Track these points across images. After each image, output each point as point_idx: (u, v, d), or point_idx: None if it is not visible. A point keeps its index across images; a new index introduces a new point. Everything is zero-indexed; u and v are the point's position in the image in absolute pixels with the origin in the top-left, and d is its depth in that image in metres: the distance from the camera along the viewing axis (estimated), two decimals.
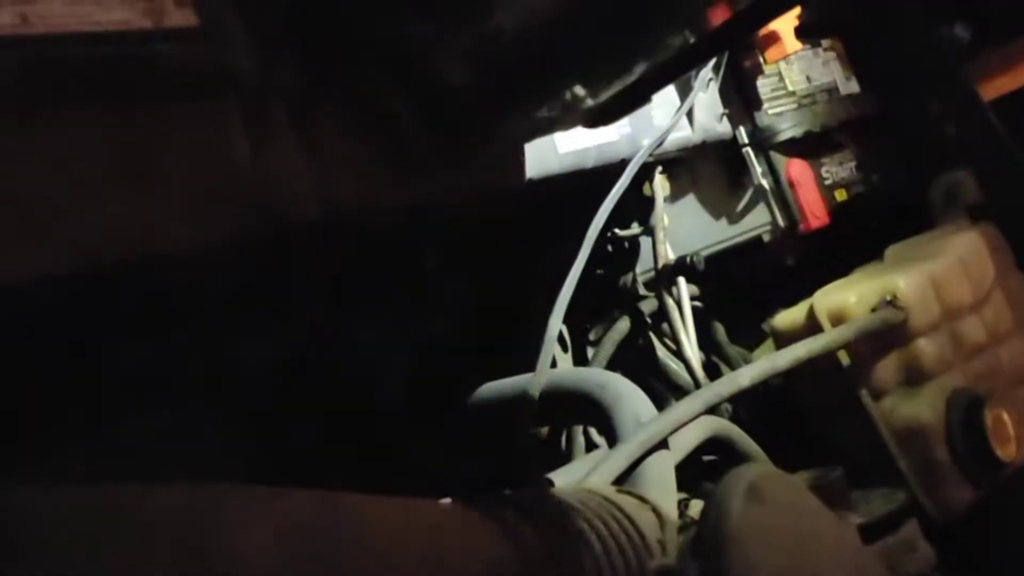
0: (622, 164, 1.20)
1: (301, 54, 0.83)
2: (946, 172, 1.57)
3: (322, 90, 0.83)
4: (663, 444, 1.07)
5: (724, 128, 1.35)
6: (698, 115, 1.30)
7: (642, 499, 0.90)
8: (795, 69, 1.48)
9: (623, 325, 1.43)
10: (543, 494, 0.85)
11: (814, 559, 0.86)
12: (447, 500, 0.85)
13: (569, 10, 0.79)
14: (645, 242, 1.40)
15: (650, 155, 1.23)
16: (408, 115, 0.84)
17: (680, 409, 1.14)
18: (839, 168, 1.49)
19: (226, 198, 0.81)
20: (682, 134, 1.29)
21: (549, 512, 0.81)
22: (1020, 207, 1.54)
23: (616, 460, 1.01)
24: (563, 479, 1.18)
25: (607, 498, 0.87)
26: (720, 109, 1.35)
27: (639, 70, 0.91)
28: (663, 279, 1.40)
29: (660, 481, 1.01)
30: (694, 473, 1.25)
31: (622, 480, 1.02)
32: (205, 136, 0.79)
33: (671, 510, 0.96)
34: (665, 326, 1.42)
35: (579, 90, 0.88)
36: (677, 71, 1.07)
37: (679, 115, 1.24)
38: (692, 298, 1.40)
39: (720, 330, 1.52)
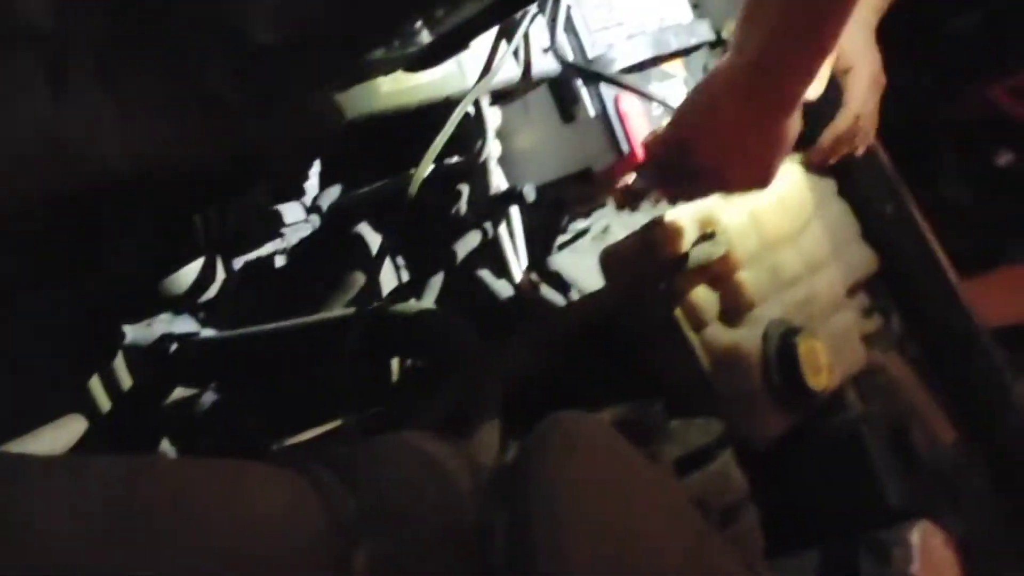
0: (447, 102, 1.19)
1: (104, 4, 0.80)
2: None
3: (128, 42, 0.80)
4: (489, 384, 1.08)
5: (549, 63, 1.35)
6: (522, 53, 1.30)
7: (459, 446, 0.92)
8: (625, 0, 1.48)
9: (456, 254, 1.44)
10: (357, 450, 0.85)
11: (626, 507, 0.88)
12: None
13: None
14: (479, 172, 1.41)
15: None
16: (217, 69, 0.82)
17: (508, 349, 1.16)
18: (669, 99, 1.50)
19: (27, 155, 0.78)
20: (509, 71, 1.29)
21: (362, 469, 0.81)
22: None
23: (436, 403, 1.02)
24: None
25: (420, 448, 0.87)
26: (545, 44, 1.34)
27: (452, 20, 0.90)
28: (494, 208, 1.41)
29: (481, 424, 1.02)
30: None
31: (442, 422, 1.03)
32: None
33: (489, 455, 0.98)
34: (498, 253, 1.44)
35: (391, 44, 0.87)
36: (498, 17, 1.07)
37: (504, 54, 1.24)
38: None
39: (556, 259, 1.54)
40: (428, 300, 1.40)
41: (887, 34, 1.62)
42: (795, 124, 1.14)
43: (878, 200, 1.65)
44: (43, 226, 0.87)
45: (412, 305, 1.24)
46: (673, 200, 1.31)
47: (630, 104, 1.39)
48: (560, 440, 0.90)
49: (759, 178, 1.18)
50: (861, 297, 1.60)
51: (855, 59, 1.43)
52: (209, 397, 1.37)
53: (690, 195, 1.28)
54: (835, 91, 1.42)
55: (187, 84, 0.82)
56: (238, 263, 1.33)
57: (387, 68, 0.99)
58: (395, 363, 1.36)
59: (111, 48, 0.80)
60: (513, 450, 1.02)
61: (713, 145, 1.14)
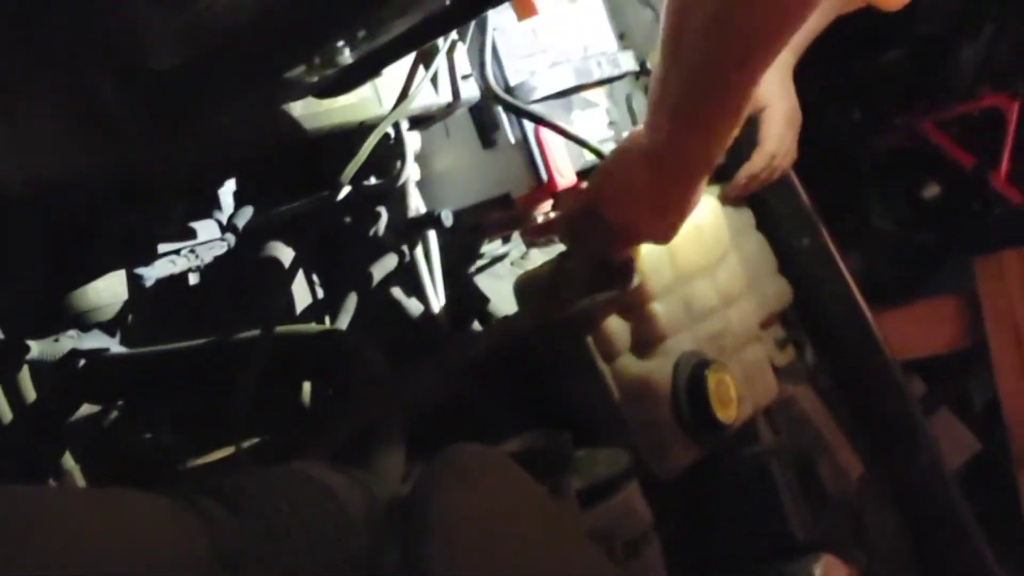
0: (361, 127, 1.19)
1: None
2: None
3: (21, 65, 0.79)
4: (393, 411, 1.07)
5: (470, 91, 1.35)
6: (442, 78, 1.30)
7: (353, 477, 0.91)
8: (549, 26, 1.48)
9: (372, 276, 1.43)
10: (246, 480, 0.84)
11: (520, 542, 0.88)
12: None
13: None
14: (397, 195, 1.40)
15: None
16: (112, 92, 0.81)
17: (415, 375, 1.16)
18: (591, 127, 1.51)
19: None
20: (427, 97, 1.29)
21: (249, 500, 0.80)
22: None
23: (338, 431, 1.02)
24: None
25: (314, 478, 0.87)
26: (466, 70, 1.34)
27: (366, 45, 0.90)
28: (412, 231, 1.41)
29: (382, 453, 1.02)
30: None
31: (343, 449, 1.02)
32: None
33: (388, 486, 0.97)
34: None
35: (299, 69, 0.86)
36: (415, 43, 1.07)
37: (422, 81, 1.24)
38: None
39: (474, 284, 1.54)
40: (342, 322, 1.39)
41: (818, 66, 1.65)
42: (700, 188, 1.21)
43: (795, 233, 1.67)
44: None
45: (318, 327, 1.23)
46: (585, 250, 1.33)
47: (550, 132, 1.40)
48: (455, 473, 0.90)
49: (665, 236, 1.27)
50: (775, 329, 1.62)
51: (771, 99, 1.46)
52: (116, 413, 1.36)
53: (601, 248, 1.32)
54: (752, 129, 1.44)
55: (82, 106, 0.81)
56: (150, 280, 1.31)
57: (300, 92, 0.99)
58: (307, 387, 1.35)
59: (3, 73, 0.79)
60: (411, 481, 1.02)
61: (626, 208, 1.23)
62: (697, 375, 1.31)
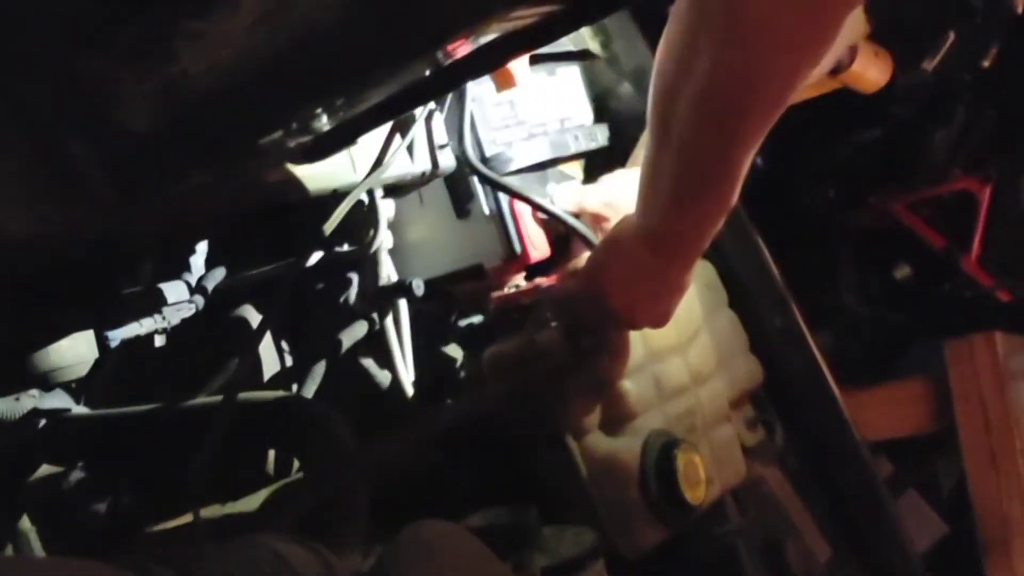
0: (335, 195, 1.18)
1: None
2: None
3: None
4: (356, 483, 1.06)
5: (446, 160, 1.35)
6: (418, 147, 1.30)
7: (315, 550, 0.89)
8: (527, 97, 1.48)
9: (341, 343, 1.42)
10: (203, 551, 0.82)
11: None
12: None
13: (259, 56, 0.77)
14: (369, 262, 1.40)
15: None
16: (88, 155, 0.80)
17: (380, 447, 1.14)
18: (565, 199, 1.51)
19: None
20: (402, 165, 1.28)
21: (206, 572, 0.79)
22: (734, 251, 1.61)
23: (299, 502, 1.00)
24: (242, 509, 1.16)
25: (273, 551, 0.85)
26: (443, 140, 1.34)
27: (344, 113, 0.90)
28: (383, 300, 1.40)
29: (344, 526, 1.00)
30: None
31: (304, 520, 1.01)
32: None
33: (349, 560, 0.95)
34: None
35: (276, 135, 0.86)
36: (394, 112, 1.07)
37: (397, 149, 1.23)
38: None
39: (443, 354, 1.53)
40: (309, 389, 1.38)
41: (795, 144, 1.65)
42: (693, 272, 1.23)
43: (767, 312, 1.67)
44: None
45: (282, 393, 1.22)
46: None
47: (525, 204, 1.40)
48: (419, 549, 0.89)
49: (661, 318, 1.28)
50: (745, 408, 1.61)
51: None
52: (76, 475, 1.33)
53: (595, 328, 1.32)
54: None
55: (52, 165, 0.80)
56: (115, 340, 1.30)
57: (275, 158, 0.98)
58: (271, 454, 1.34)
59: None
60: (373, 556, 1.00)
61: (625, 294, 1.24)
62: (666, 455, 1.29)
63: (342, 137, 0.98)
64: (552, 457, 1.31)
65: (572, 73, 1.60)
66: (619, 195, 1.38)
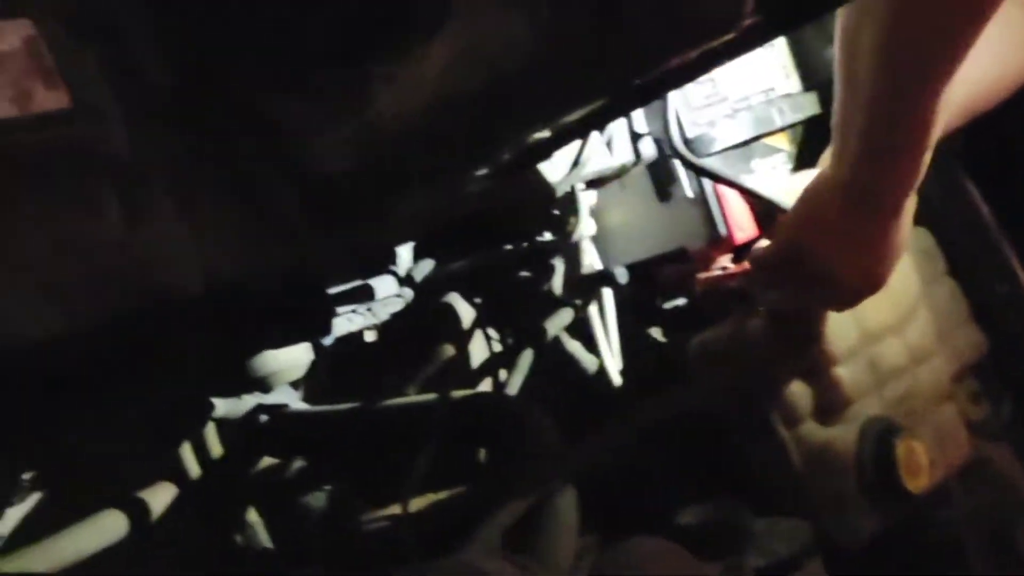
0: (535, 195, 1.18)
1: (178, 130, 0.80)
2: None
3: (201, 171, 0.81)
4: (563, 489, 1.05)
5: (647, 150, 1.32)
6: (617, 141, 1.28)
7: (523, 567, 0.90)
8: (729, 71, 1.44)
9: (546, 330, 1.42)
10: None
11: None
12: None
13: (451, 98, 0.77)
14: (572, 250, 1.40)
15: None
16: (288, 196, 0.82)
17: (585, 446, 1.14)
18: (773, 174, 1.46)
19: (99, 278, 0.79)
20: (601, 160, 1.27)
21: None
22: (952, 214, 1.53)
23: (506, 513, 1.00)
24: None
25: (482, 571, 0.86)
26: (642, 129, 1.32)
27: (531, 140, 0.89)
28: (587, 288, 1.40)
29: (552, 536, 1.00)
30: None
31: (511, 531, 1.01)
32: (70, 218, 0.77)
33: (561, 571, 0.96)
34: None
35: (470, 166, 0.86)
36: (592, 128, 1.05)
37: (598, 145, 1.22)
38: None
39: (648, 335, 1.51)
40: (517, 378, 1.38)
41: None
42: (905, 225, 1.13)
43: (991, 279, 1.58)
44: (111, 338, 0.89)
45: (492, 394, 1.23)
46: (783, 306, 1.27)
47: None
48: (631, 570, 0.88)
49: (872, 283, 1.17)
50: (968, 382, 1.53)
51: None
52: (296, 468, 1.39)
53: (799, 301, 1.26)
54: None
55: (257, 211, 0.82)
56: (329, 339, 1.34)
57: (474, 178, 0.98)
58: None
59: (185, 177, 0.80)
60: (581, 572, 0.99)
61: (826, 248, 1.14)
62: (885, 444, 1.25)
63: (541, 152, 0.97)
64: (763, 448, 1.28)
65: (777, 40, 1.54)
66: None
